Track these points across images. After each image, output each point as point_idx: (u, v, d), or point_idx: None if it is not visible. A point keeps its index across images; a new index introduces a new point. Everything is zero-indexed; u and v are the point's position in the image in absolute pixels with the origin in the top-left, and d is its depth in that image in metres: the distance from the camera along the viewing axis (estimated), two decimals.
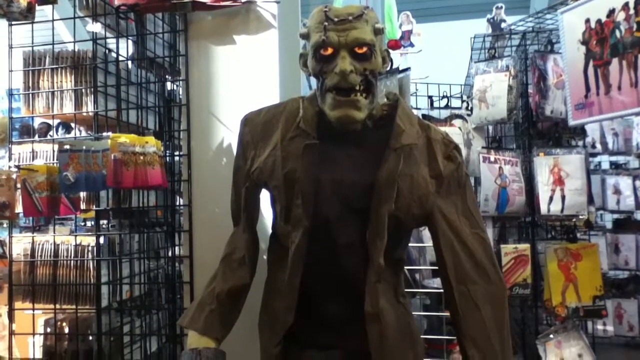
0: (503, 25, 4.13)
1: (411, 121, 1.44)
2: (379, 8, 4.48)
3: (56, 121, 2.80)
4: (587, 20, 2.35)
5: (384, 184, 1.34)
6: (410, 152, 1.39)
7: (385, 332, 1.37)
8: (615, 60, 2.22)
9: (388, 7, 3.82)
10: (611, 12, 2.24)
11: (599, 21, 2.30)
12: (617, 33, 2.21)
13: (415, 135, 1.41)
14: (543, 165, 2.85)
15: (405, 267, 2.17)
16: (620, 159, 4.97)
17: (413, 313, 1.60)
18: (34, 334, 2.07)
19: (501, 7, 4.24)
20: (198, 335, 1.45)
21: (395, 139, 1.38)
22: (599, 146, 4.61)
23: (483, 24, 4.31)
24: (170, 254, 2.27)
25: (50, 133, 2.88)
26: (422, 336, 1.80)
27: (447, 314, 2.35)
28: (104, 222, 2.20)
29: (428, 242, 2.58)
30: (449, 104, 3.25)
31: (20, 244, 2.12)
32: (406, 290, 1.58)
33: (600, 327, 4.15)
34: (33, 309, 2.06)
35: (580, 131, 3.14)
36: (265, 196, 1.57)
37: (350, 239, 1.38)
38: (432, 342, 2.53)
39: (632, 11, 2.15)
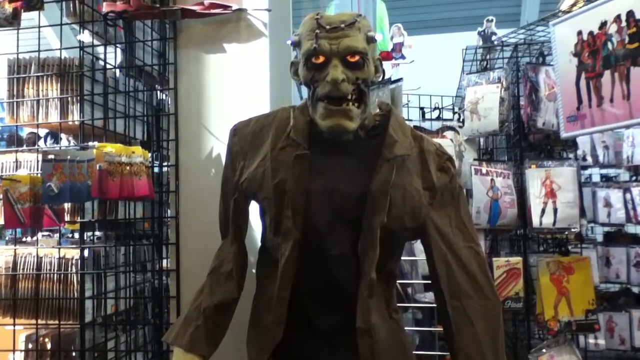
0: (494, 38, 4.14)
1: (404, 131, 1.42)
2: (371, 19, 4.48)
3: (45, 131, 2.75)
4: (579, 32, 2.34)
5: (376, 195, 1.31)
6: (403, 163, 1.36)
7: (376, 349, 1.33)
8: (607, 73, 2.21)
9: (380, 18, 3.83)
10: (603, 24, 2.24)
11: (591, 33, 2.30)
12: (609, 45, 2.21)
13: (408, 145, 1.39)
14: (535, 177, 2.83)
15: (397, 281, 2.14)
16: (611, 171, 4.97)
17: (405, 328, 1.56)
18: (14, 350, 2.01)
19: (492, 20, 4.25)
20: (183, 352, 1.41)
21: (388, 149, 1.35)
22: (589, 159, 4.60)
23: (474, 36, 4.31)
24: (157, 267, 2.23)
25: (38, 143, 2.82)
26: (414, 352, 1.77)
27: (440, 328, 2.32)
28: (89, 234, 2.15)
29: (420, 256, 2.55)
30: (441, 115, 3.24)
31: (1, 257, 2.06)
32: (398, 304, 1.54)
33: (592, 340, 4.12)
34: (14, 324, 2.00)
35: (572, 144, 3.13)
36: (254, 208, 1.53)
37: (341, 250, 1.34)
38: (424, 358, 2.49)
39: (624, 23, 2.15)
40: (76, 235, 2.48)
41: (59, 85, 2.05)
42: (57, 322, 1.97)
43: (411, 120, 3.17)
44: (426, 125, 3.14)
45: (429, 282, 1.48)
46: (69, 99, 2.04)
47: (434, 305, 1.51)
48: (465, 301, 1.38)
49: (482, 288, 1.41)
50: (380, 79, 1.50)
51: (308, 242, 1.34)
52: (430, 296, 2.50)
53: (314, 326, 1.39)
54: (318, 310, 1.39)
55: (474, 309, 1.38)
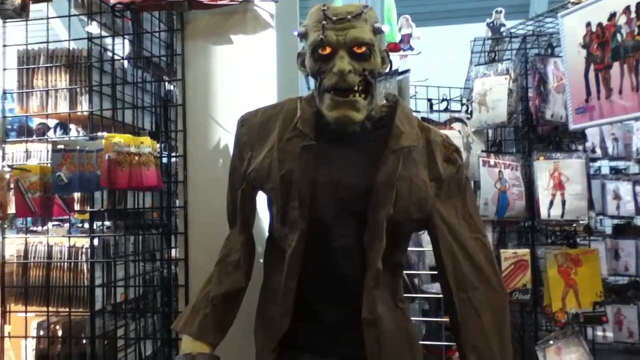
0: (503, 29, 4.11)
1: (411, 123, 1.41)
2: (379, 11, 4.47)
3: (54, 122, 2.78)
4: (588, 24, 2.33)
5: (382, 187, 1.32)
6: (410, 154, 1.36)
7: (382, 339, 1.34)
8: (616, 64, 2.20)
9: (387, 9, 3.81)
10: (612, 16, 2.22)
11: (599, 25, 2.28)
12: (619, 37, 2.19)
13: (414, 137, 1.39)
14: (543, 169, 2.82)
15: (404, 272, 2.15)
16: (620, 164, 4.94)
17: (412, 318, 1.57)
18: (26, 337, 2.04)
19: (501, 12, 4.22)
20: (192, 340, 1.43)
21: (395, 140, 1.35)
22: (598, 151, 4.58)
23: (483, 28, 4.29)
24: (165, 256, 2.25)
25: (48, 134, 2.85)
26: (420, 342, 1.78)
27: (446, 319, 2.33)
28: (98, 223, 2.17)
29: (427, 247, 2.56)
30: (449, 107, 3.23)
31: (13, 245, 2.09)
32: (405, 295, 1.55)
33: (600, 333, 4.12)
34: (26, 312, 2.03)
35: (581, 135, 3.11)
36: (262, 198, 1.54)
37: (347, 242, 1.35)
38: (431, 348, 2.50)
39: (633, 15, 2.13)
40: (86, 225, 2.50)
41: (67, 76, 2.07)
42: (67, 309, 2.00)
43: (419, 111, 3.16)
44: (434, 116, 3.14)
45: (436, 272, 1.49)
46: (78, 89, 2.06)
47: (441, 295, 1.52)
48: (471, 292, 1.39)
49: (489, 279, 1.41)
50: (387, 70, 1.49)
51: (314, 234, 1.34)
52: (437, 287, 2.51)
53: (320, 318, 1.40)
54: (324, 302, 1.40)
55: (480, 300, 1.39)
